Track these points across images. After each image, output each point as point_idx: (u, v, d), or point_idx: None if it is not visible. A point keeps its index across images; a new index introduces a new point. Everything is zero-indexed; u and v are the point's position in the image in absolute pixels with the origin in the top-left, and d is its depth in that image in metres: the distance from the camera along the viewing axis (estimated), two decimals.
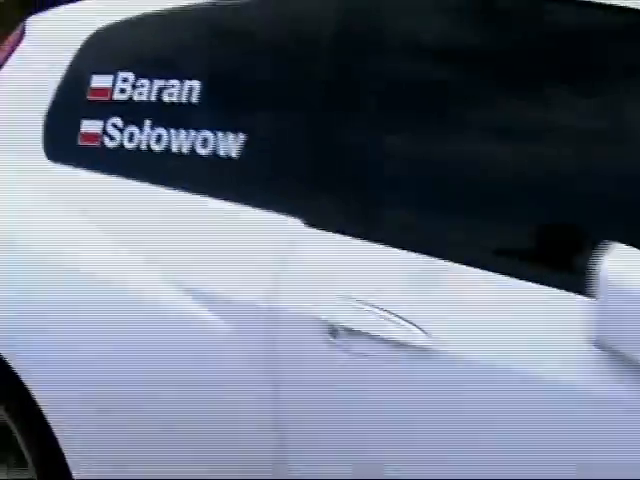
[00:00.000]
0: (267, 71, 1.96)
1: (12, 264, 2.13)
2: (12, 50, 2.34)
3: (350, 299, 1.73)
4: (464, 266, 1.68)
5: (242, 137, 1.92)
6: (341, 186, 1.83)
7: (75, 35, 2.23)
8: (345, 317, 1.73)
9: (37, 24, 2.36)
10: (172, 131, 2.01)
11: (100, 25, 2.19)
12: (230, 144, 1.93)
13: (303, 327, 1.77)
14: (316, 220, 1.81)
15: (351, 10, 1.86)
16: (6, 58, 2.34)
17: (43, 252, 2.09)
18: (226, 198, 1.93)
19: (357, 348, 1.72)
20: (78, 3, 2.31)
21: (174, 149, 2.01)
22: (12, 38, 2.39)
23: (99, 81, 2.16)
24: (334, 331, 1.74)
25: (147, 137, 2.05)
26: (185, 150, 1.99)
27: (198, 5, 2.07)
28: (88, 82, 2.17)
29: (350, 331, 1.72)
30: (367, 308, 1.72)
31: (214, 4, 2.05)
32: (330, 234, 1.80)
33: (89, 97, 2.17)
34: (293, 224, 1.82)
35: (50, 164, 2.18)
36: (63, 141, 2.21)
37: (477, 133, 1.73)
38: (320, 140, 1.85)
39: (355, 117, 1.83)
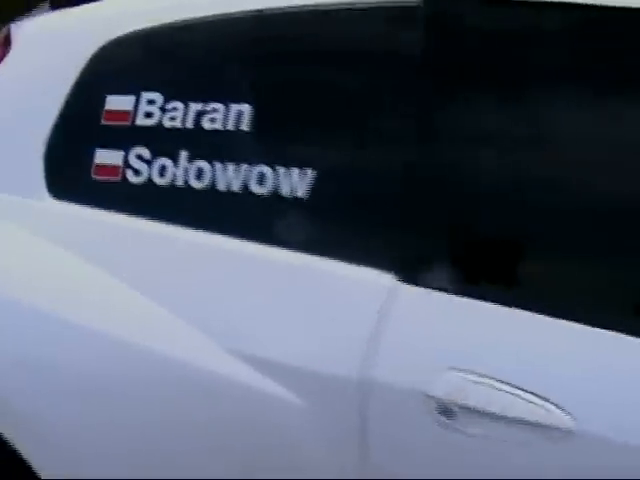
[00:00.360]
0: (342, 92, 1.65)
1: (18, 330, 1.77)
2: None
3: (463, 371, 1.45)
4: (597, 329, 1.42)
5: (310, 173, 1.61)
6: (444, 233, 1.54)
7: (81, 46, 1.87)
8: (460, 393, 1.45)
9: (27, 31, 1.99)
10: (217, 165, 1.69)
11: (115, 34, 1.83)
12: (295, 181, 1.62)
13: (405, 404, 1.48)
14: (412, 275, 1.52)
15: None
16: None
17: (60, 318, 1.73)
18: (293, 247, 1.61)
19: (478, 430, 1.44)
20: (84, 7, 1.94)
21: (220, 186, 1.68)
22: None
23: (116, 103, 1.81)
24: (447, 410, 1.45)
25: (184, 171, 1.71)
26: (235, 188, 1.67)
27: (246, 13, 1.74)
28: (101, 104, 1.82)
29: (468, 410, 1.44)
30: (486, 381, 1.44)
31: (263, 11, 1.72)
32: (430, 291, 1.51)
33: (104, 122, 1.82)
34: (384, 280, 1.53)
35: (56, 204, 1.82)
36: (71, 175, 1.85)
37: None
38: (416, 177, 1.56)
39: (463, 150, 1.55)
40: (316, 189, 1.60)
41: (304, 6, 1.68)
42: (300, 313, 1.57)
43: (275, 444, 1.56)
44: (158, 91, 1.76)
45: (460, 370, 1.45)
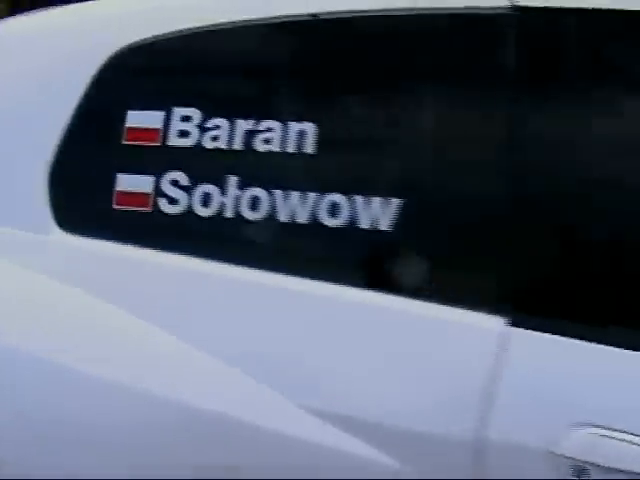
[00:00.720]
0: (427, 106, 1.45)
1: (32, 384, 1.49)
2: None
3: (593, 425, 1.30)
4: None
5: (396, 202, 1.41)
6: (558, 269, 1.38)
7: (91, 50, 1.59)
8: (593, 450, 1.29)
9: (17, 32, 1.69)
10: (277, 193, 1.46)
11: (134, 38, 1.57)
12: (376, 212, 1.42)
13: (529, 465, 1.31)
14: (525, 318, 1.35)
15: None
16: None
17: (84, 373, 1.46)
18: (378, 288, 1.41)
19: None
20: (91, 2, 1.66)
21: (282, 217, 1.46)
22: None
23: (140, 119, 1.55)
24: (582, 470, 1.29)
25: (234, 200, 1.48)
26: (302, 219, 1.45)
27: (297, 17, 1.52)
28: (121, 120, 1.55)
29: (602, 468, 1.29)
30: (619, 435, 1.29)
31: (318, 15, 1.51)
32: (547, 336, 1.35)
33: (126, 141, 1.55)
34: (494, 324, 1.35)
35: (67, 238, 1.54)
36: (85, 203, 1.58)
37: None
38: (524, 213, 1.39)
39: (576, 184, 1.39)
40: (403, 221, 1.40)
41: (375, 10, 1.47)
42: (398, 366, 1.38)
43: None
44: (194, 106, 1.51)
45: (590, 424, 1.30)
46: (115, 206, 1.54)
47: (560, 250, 1.37)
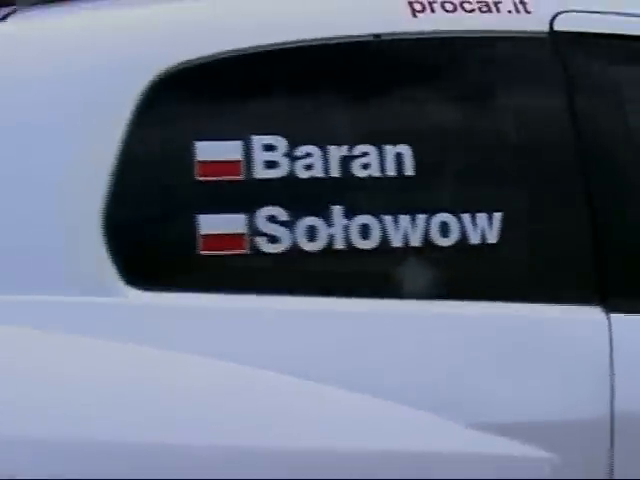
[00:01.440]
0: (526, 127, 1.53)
1: None
2: None
3: None
4: None
5: (499, 216, 1.49)
6: None
7: (130, 69, 1.36)
8: None
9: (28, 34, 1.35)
10: (386, 218, 1.43)
11: (189, 55, 1.38)
12: (484, 227, 1.48)
13: None
14: (619, 304, 1.55)
15: None
16: None
17: None
18: (491, 298, 1.48)
19: None
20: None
21: (396, 242, 1.44)
22: None
23: (214, 151, 1.38)
24: None
25: (343, 230, 1.41)
26: (415, 242, 1.45)
27: (394, 35, 1.47)
28: (188, 153, 1.36)
29: None
30: None
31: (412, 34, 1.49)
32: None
33: (200, 177, 1.37)
34: (594, 314, 1.52)
35: (143, 296, 1.32)
36: (161, 254, 1.35)
37: None
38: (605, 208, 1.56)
39: None
40: (505, 233, 1.49)
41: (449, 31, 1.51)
42: (522, 365, 1.47)
43: None
44: (277, 134, 1.40)
45: None
46: (201, 252, 1.35)
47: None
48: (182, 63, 1.36)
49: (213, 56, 1.38)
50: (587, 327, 1.50)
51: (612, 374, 1.49)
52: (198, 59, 1.37)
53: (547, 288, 1.50)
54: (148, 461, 1.25)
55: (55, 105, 1.32)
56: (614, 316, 1.51)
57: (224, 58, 1.39)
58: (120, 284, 1.30)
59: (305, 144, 1.40)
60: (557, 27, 1.56)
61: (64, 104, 1.33)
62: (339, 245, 1.40)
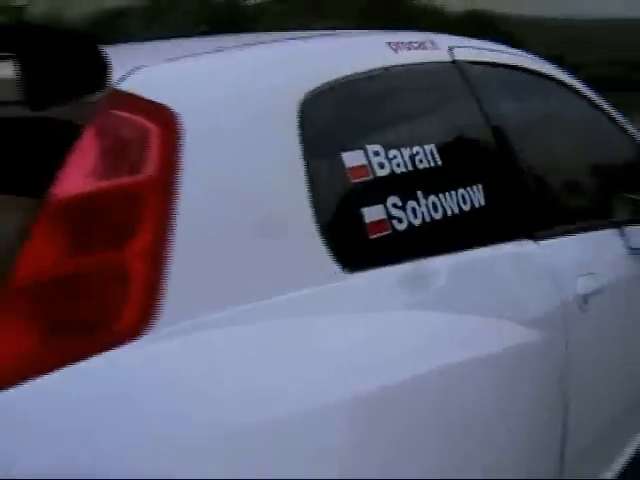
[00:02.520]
0: None
1: None
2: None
3: None
4: None
5: (480, 188, 2.12)
6: None
7: (281, 100, 1.68)
8: None
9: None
10: (444, 195, 1.97)
11: (318, 82, 1.75)
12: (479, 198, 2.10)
13: None
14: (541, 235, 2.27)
15: None
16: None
17: None
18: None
19: None
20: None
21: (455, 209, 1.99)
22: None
23: (353, 159, 1.78)
24: None
25: (426, 209, 1.91)
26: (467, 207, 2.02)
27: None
28: (338, 161, 1.75)
29: None
30: None
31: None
32: None
33: (354, 180, 1.76)
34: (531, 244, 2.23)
35: (355, 277, 1.66)
36: (354, 241, 1.71)
37: None
38: None
39: None
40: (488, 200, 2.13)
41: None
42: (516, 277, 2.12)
43: None
44: (378, 143, 1.85)
45: None
46: (370, 236, 1.74)
47: None
48: (324, 84, 1.72)
49: (339, 79, 1.77)
50: (533, 251, 2.19)
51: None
52: (331, 82, 1.75)
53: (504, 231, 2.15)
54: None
55: (257, 121, 1.59)
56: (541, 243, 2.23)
57: (344, 82, 1.78)
58: (339, 270, 1.62)
59: (394, 148, 1.85)
60: (455, 57, 2.24)
61: (263, 121, 1.59)
62: (427, 218, 1.88)
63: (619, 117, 2.99)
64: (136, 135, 1.38)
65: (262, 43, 1.91)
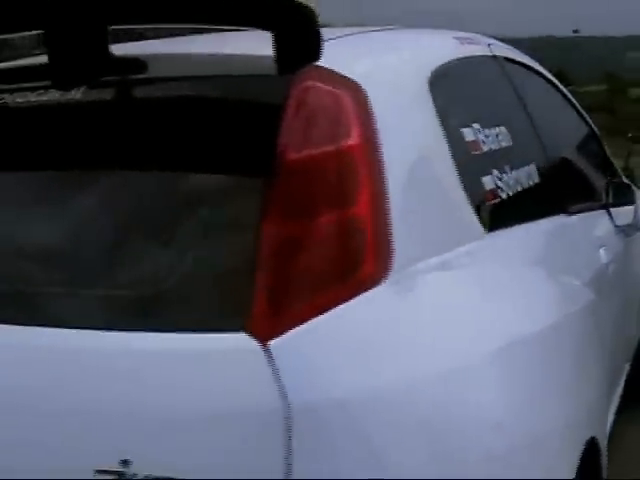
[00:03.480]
0: None
1: None
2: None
3: None
4: None
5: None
6: None
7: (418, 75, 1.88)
8: None
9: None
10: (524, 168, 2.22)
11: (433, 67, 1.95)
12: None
13: None
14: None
15: None
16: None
17: None
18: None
19: None
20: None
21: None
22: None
23: (469, 135, 1.99)
24: None
25: (515, 181, 2.15)
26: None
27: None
28: (460, 135, 1.95)
29: None
30: None
31: None
32: None
33: (474, 152, 1.98)
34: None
35: (493, 236, 1.88)
36: (482, 206, 1.92)
37: None
38: None
39: None
40: None
41: None
42: None
43: None
44: (477, 122, 2.07)
45: None
46: (488, 203, 1.95)
47: None
48: (438, 67, 1.92)
49: (444, 64, 1.97)
50: (574, 224, 2.47)
51: None
52: (443, 65, 1.95)
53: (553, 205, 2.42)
54: None
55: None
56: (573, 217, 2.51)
57: (448, 67, 1.99)
58: (483, 231, 1.82)
59: (486, 127, 2.07)
60: (494, 52, 2.50)
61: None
62: (518, 189, 2.12)
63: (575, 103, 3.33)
64: (339, 104, 1.53)
65: (381, 31, 2.09)
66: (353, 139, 1.50)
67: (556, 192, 2.47)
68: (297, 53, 1.44)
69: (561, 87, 3.21)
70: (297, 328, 1.32)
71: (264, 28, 1.45)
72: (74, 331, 1.36)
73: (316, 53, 1.47)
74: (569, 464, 1.59)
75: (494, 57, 2.46)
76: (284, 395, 1.27)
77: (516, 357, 1.55)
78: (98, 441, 1.32)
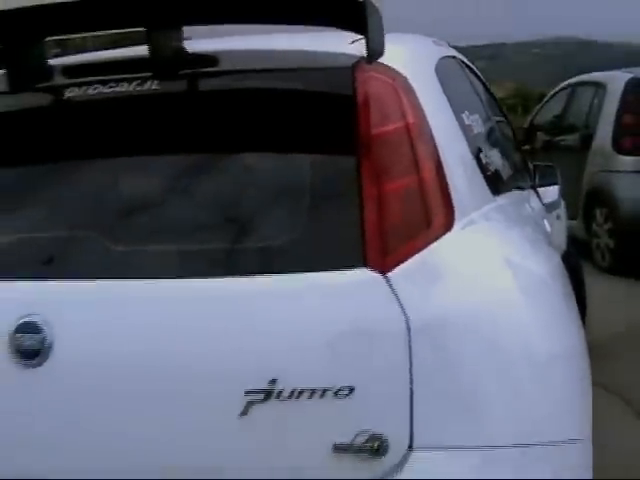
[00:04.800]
0: None
1: None
2: None
3: None
4: None
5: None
6: None
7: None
8: None
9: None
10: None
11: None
12: None
13: None
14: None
15: None
16: None
17: None
18: None
19: None
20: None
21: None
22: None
23: (466, 118, 2.39)
24: None
25: (497, 156, 2.57)
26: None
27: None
28: (462, 118, 2.35)
29: None
30: None
31: None
32: None
33: (470, 133, 2.38)
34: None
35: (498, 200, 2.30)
36: (485, 176, 2.32)
37: None
38: None
39: None
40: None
41: None
42: None
43: None
44: (466, 109, 2.47)
45: None
46: (486, 174, 2.35)
47: None
48: (439, 59, 2.32)
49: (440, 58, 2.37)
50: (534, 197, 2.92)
51: None
52: (441, 58, 2.35)
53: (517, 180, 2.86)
54: None
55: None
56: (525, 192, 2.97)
57: (442, 61, 2.38)
58: (492, 195, 2.21)
59: (473, 114, 2.48)
60: (452, 53, 2.92)
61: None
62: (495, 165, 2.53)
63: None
64: (397, 92, 1.88)
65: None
66: (412, 118, 1.86)
67: (511, 172, 2.90)
68: (371, 50, 1.79)
69: (487, 83, 3.67)
70: (405, 263, 1.66)
71: (350, 29, 1.78)
72: (243, 278, 1.68)
73: (382, 51, 1.82)
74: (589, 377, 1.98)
75: (454, 57, 2.87)
76: (405, 314, 1.61)
77: (544, 285, 1.94)
78: (253, 363, 1.62)
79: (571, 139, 7.51)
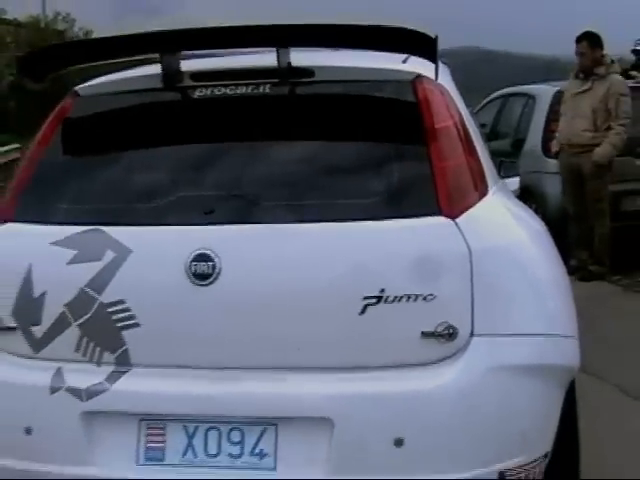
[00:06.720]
0: None
1: None
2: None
3: None
4: None
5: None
6: None
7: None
8: None
9: None
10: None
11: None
12: None
13: None
14: None
15: None
16: None
17: None
18: None
19: None
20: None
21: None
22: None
23: (471, 112, 3.24)
24: None
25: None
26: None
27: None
28: (470, 113, 3.20)
29: None
30: None
31: None
32: None
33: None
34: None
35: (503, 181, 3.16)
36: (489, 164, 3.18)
37: None
38: None
39: None
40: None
41: None
42: None
43: None
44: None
45: None
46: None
47: None
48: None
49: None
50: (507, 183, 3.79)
51: None
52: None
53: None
54: None
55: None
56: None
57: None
58: (499, 178, 3.07)
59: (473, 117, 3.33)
60: None
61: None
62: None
63: None
64: (443, 98, 2.72)
65: None
66: (457, 117, 2.70)
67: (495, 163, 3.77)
68: (437, 72, 2.63)
69: None
70: (465, 213, 2.49)
71: (424, 57, 2.60)
72: (360, 222, 2.49)
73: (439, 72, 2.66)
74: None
75: None
76: (468, 246, 2.43)
77: (544, 232, 2.81)
78: (368, 278, 2.42)
79: (504, 144, 8.50)
